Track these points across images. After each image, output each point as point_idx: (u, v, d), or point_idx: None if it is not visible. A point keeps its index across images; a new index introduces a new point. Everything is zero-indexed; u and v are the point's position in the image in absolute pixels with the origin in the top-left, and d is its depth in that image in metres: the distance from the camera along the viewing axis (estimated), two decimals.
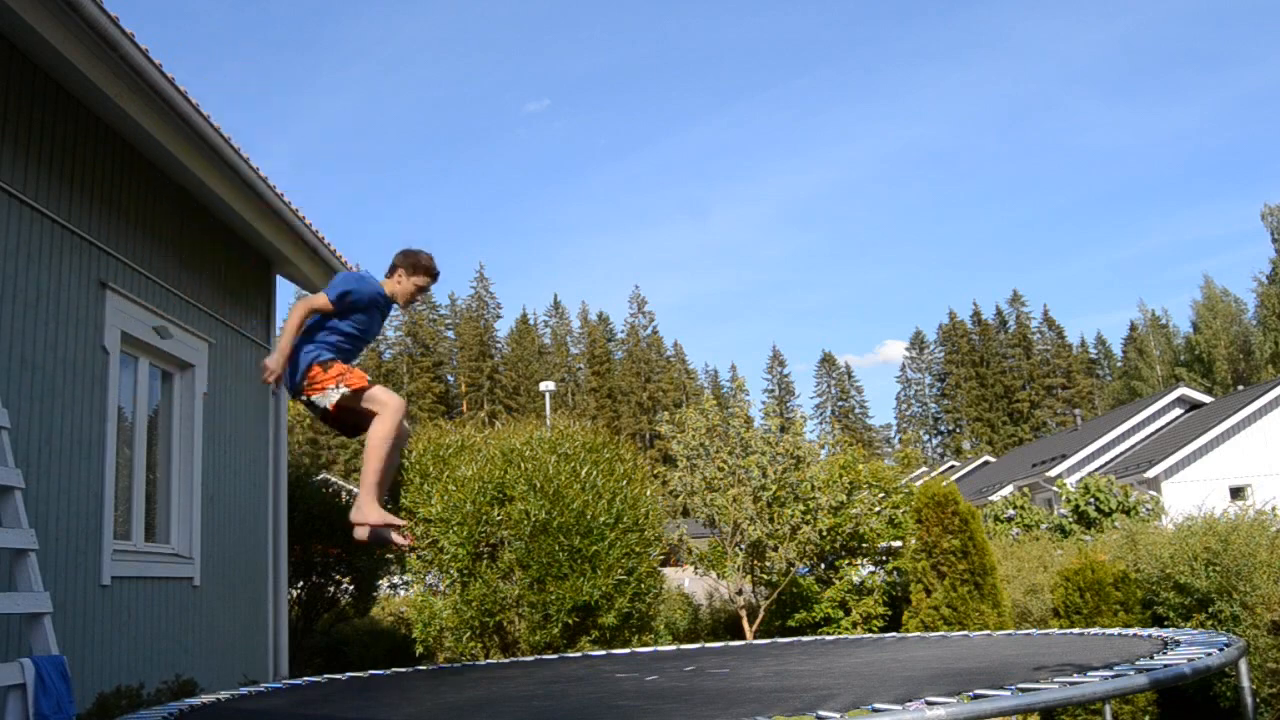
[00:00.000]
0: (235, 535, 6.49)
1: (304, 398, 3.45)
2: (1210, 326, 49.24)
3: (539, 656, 6.03)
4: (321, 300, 3.44)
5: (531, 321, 73.79)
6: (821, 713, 2.41)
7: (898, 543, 10.52)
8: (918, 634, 5.75)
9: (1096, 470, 21.80)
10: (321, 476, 11.96)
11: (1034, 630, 5.73)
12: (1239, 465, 20.01)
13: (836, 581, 10.56)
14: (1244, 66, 79.88)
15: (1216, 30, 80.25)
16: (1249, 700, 3.21)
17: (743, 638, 9.73)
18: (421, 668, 5.14)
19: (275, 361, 3.38)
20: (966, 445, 66.68)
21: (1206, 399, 25.93)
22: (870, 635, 7.34)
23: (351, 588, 9.15)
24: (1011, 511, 15.73)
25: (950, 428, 72.13)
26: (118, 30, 4.42)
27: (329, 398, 3.34)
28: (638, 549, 7.90)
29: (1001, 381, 69.50)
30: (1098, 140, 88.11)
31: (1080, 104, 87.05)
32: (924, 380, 75.05)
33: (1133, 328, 62.75)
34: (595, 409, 64.99)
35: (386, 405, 3.35)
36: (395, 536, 3.57)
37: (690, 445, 10.05)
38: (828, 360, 77.27)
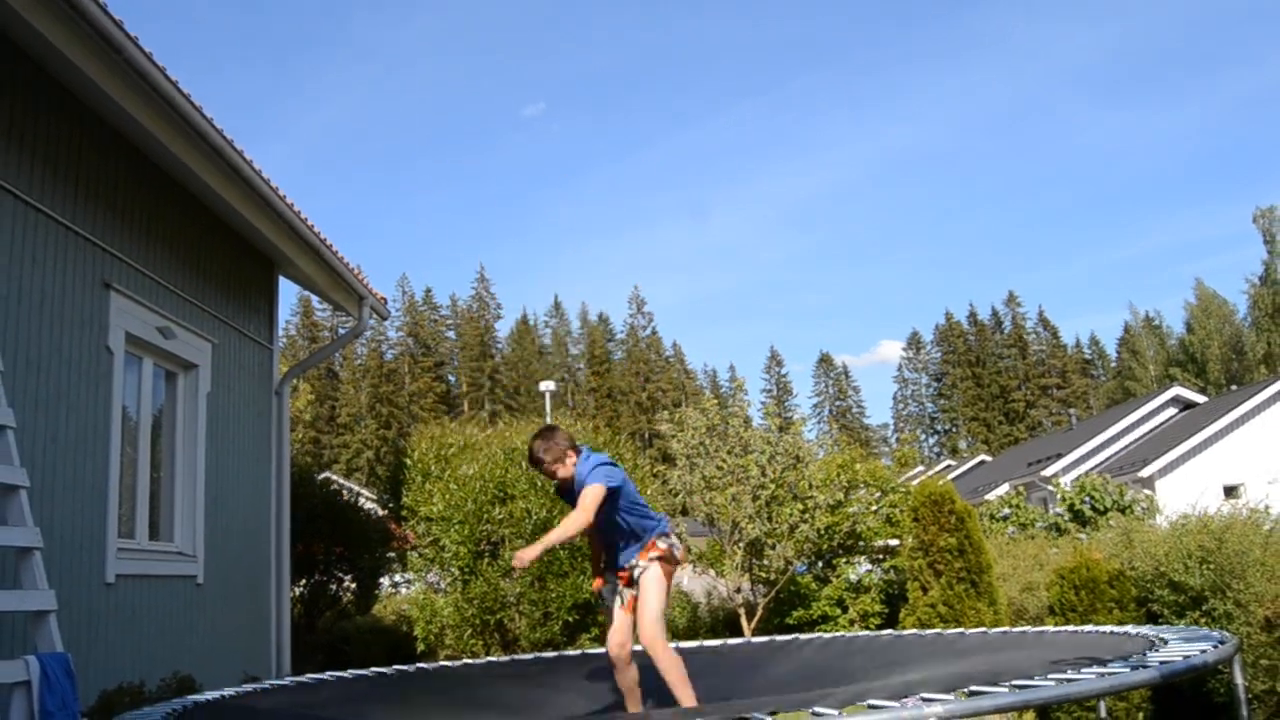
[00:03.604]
0: (238, 534, 6.51)
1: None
2: (1204, 327, 49.38)
3: (539, 654, 6.07)
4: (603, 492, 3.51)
5: (531, 322, 73.64)
6: (819, 709, 2.44)
7: (895, 541, 10.57)
8: (914, 631, 5.80)
9: (1091, 469, 21.83)
10: (324, 475, 11.97)
11: (1029, 628, 5.77)
12: (1232, 464, 20.07)
13: (834, 580, 10.60)
14: (1236, 70, 79.88)
15: (1209, 33, 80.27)
16: (1242, 697, 3.24)
17: (741, 635, 9.77)
18: (423, 665, 5.17)
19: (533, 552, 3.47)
20: (963, 444, 66.73)
21: (1200, 399, 26.00)
22: (867, 633, 7.38)
23: (353, 586, 9.17)
24: (1007, 510, 15.76)
25: (947, 427, 72.18)
26: (121, 33, 4.44)
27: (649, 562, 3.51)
28: None
29: (997, 381, 69.58)
30: (1092, 142, 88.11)
31: (1075, 106, 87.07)
32: (921, 380, 75.09)
33: (1127, 329, 62.84)
34: (595, 409, 64.91)
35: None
36: None
37: (690, 444, 10.08)
38: (825, 360, 77.33)
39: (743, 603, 10.19)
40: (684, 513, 10.61)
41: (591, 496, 3.42)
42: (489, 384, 67.99)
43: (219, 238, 6.52)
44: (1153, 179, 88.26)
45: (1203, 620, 5.69)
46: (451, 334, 71.22)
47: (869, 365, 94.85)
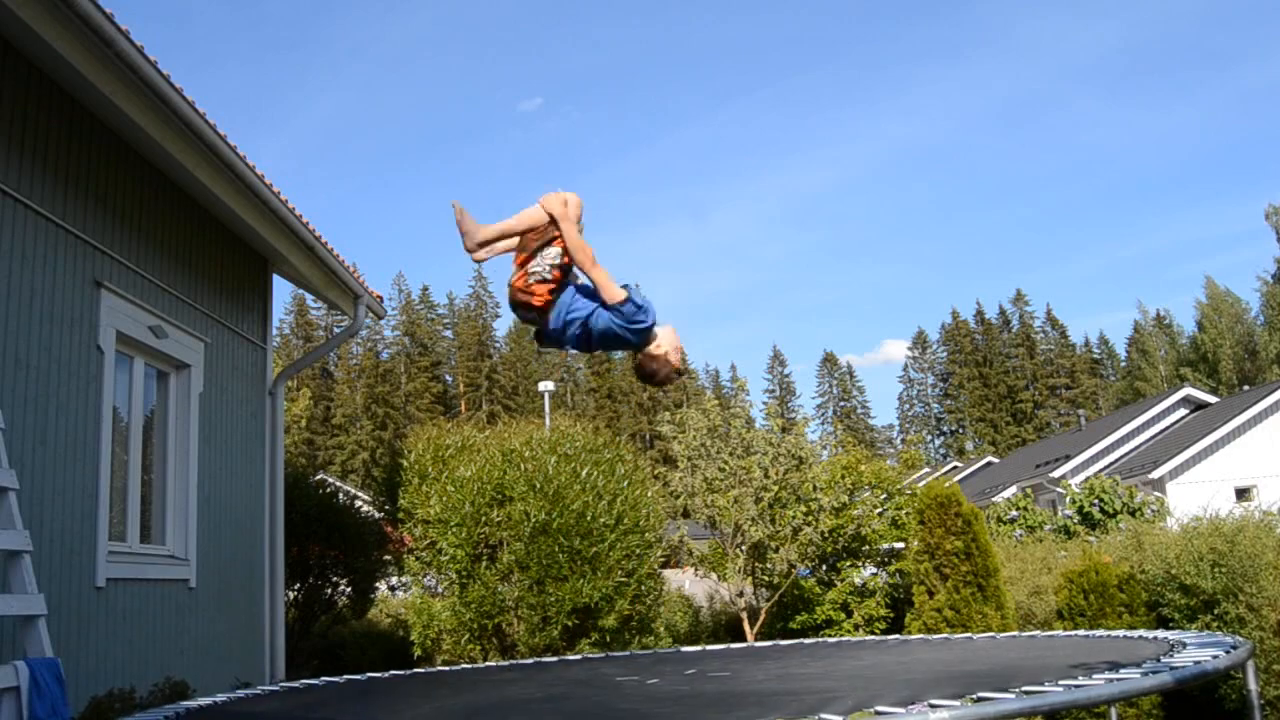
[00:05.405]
0: (231, 537, 6.44)
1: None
2: (1215, 326, 49.07)
3: (538, 659, 5.98)
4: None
5: None
6: (824, 715, 2.38)
7: (900, 544, 10.46)
8: (920, 636, 5.70)
9: (1101, 471, 21.67)
10: (319, 477, 11.93)
11: (1038, 633, 5.67)
12: (1245, 466, 19.92)
13: (838, 583, 10.49)
14: (1245, 65, 79.77)
15: (1218, 28, 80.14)
16: (1255, 703, 3.16)
17: (744, 640, 9.67)
18: (419, 670, 5.09)
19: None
20: (969, 446, 66.51)
21: (1212, 399, 25.83)
22: (873, 638, 7.28)
23: (349, 589, 9.09)
24: (1015, 513, 15.65)
25: (953, 428, 71.95)
26: (113, 27, 4.38)
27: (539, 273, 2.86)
28: (638, 550, 7.86)
29: (1005, 381, 69.33)
30: (1099, 138, 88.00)
31: (1080, 102, 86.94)
32: (926, 380, 74.93)
33: (1136, 328, 62.55)
34: (595, 409, 64.90)
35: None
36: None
37: (691, 445, 10.00)
38: (829, 360, 77.18)
39: (745, 607, 10.10)
40: (686, 515, 10.52)
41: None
42: (486, 384, 68.01)
43: (212, 235, 6.46)
44: (1159, 176, 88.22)
45: (1214, 624, 5.60)
46: (449, 333, 71.23)
47: (873, 365, 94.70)
